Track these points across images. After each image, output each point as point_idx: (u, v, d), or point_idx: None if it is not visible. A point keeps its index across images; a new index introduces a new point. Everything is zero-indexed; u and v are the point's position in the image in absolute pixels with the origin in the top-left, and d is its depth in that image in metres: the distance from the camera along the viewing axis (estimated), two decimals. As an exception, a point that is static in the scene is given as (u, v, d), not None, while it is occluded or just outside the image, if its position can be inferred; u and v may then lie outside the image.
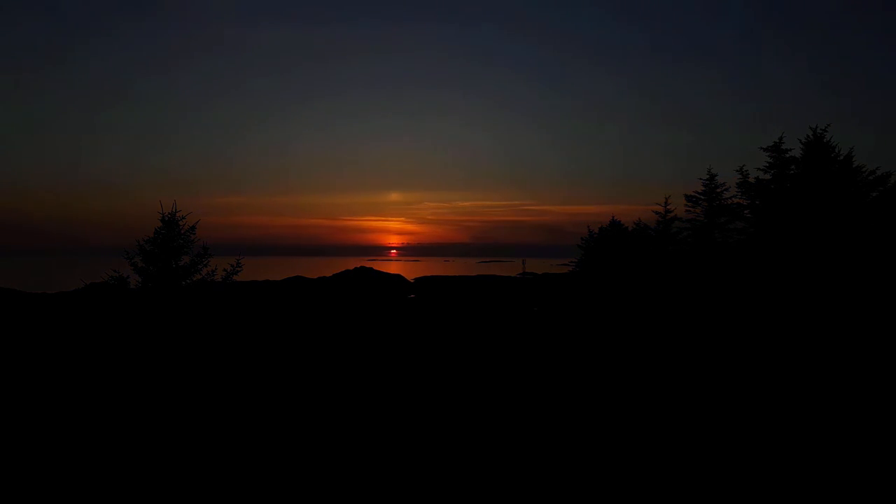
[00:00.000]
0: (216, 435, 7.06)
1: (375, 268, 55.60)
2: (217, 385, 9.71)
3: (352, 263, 61.09)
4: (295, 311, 23.84)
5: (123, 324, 12.50)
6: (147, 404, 8.37)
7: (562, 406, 8.51)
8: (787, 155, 19.60)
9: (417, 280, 56.26)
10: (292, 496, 5.37)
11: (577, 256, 36.16)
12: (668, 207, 26.41)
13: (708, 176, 22.83)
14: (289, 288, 38.51)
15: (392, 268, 68.64)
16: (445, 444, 6.71)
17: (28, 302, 22.36)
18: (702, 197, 22.97)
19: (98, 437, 6.88)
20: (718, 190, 22.59)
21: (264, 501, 5.29)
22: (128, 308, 12.67)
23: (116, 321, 12.88)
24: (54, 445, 6.64)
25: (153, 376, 10.05)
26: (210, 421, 7.66)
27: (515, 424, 7.53)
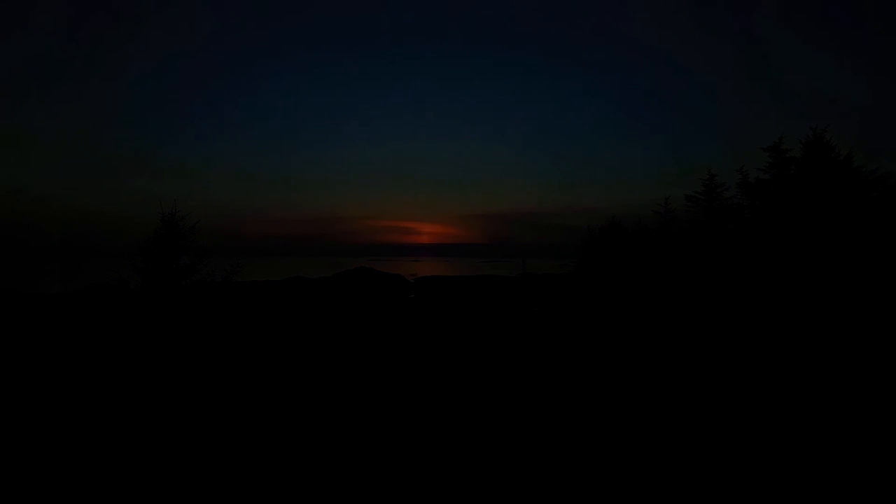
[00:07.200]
0: (216, 435, 7.05)
1: (376, 268, 55.65)
2: (216, 385, 9.70)
3: (366, 264, 61.20)
4: (294, 310, 23.82)
5: (123, 324, 12.49)
6: (147, 405, 8.35)
7: (561, 406, 8.50)
8: (788, 155, 19.60)
9: (417, 280, 56.22)
10: (292, 496, 5.36)
11: (577, 257, 36.16)
12: (668, 207, 26.43)
13: (708, 176, 22.83)
14: (288, 288, 38.46)
15: (392, 268, 68.78)
16: (444, 445, 6.71)
17: (28, 302, 22.32)
18: (702, 197, 22.95)
19: (98, 438, 6.87)
20: (718, 190, 22.58)
21: (264, 501, 5.28)
22: (127, 308, 12.66)
23: (116, 322, 12.87)
24: (54, 446, 6.62)
25: (153, 377, 10.04)
26: (210, 421, 7.65)
27: (514, 425, 7.52)
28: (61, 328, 14.89)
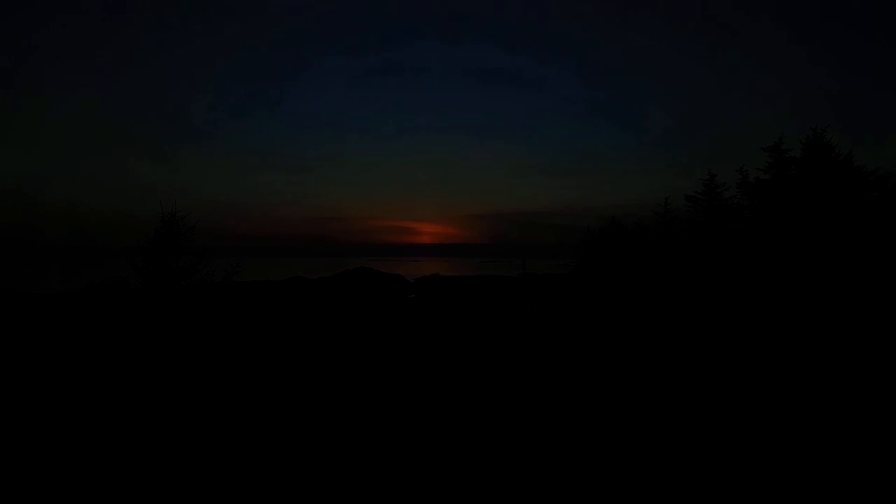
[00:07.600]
0: (216, 434, 7.05)
1: (375, 268, 55.68)
2: (216, 385, 9.70)
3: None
4: (295, 310, 23.82)
5: (123, 324, 12.49)
6: (147, 405, 8.35)
7: (561, 406, 8.50)
8: (788, 155, 19.57)
9: (417, 280, 56.23)
10: (292, 496, 5.36)
11: (577, 257, 36.13)
12: (668, 207, 26.40)
13: (708, 176, 22.81)
14: (288, 288, 38.47)
15: (393, 268, 68.86)
16: (444, 445, 6.71)
17: (28, 302, 22.33)
18: (702, 197, 22.92)
19: (98, 438, 6.87)
20: (718, 190, 22.55)
21: (264, 501, 5.28)
22: (127, 308, 12.67)
23: (116, 322, 12.88)
24: (55, 445, 6.63)
25: (153, 376, 10.04)
26: (210, 420, 7.65)
27: (514, 424, 7.52)
28: (62, 328, 14.90)
